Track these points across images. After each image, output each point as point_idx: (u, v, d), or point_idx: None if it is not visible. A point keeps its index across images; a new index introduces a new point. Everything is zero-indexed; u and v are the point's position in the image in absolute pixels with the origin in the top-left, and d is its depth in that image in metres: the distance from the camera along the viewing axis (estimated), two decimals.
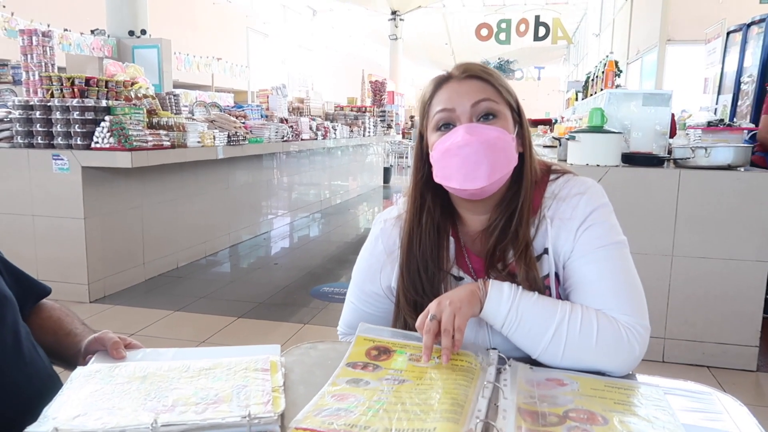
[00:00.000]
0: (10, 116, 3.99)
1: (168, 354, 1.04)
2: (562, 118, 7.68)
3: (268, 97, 7.38)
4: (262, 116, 6.43)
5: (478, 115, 1.04)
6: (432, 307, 0.98)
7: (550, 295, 1.06)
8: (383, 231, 1.19)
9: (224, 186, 5.44)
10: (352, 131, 8.57)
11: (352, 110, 9.87)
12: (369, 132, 9.54)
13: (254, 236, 6.01)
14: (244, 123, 5.58)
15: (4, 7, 7.92)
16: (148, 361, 0.98)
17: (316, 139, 7.18)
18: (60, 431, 0.73)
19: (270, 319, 3.60)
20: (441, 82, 1.09)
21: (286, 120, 6.62)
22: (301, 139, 6.68)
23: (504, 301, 0.99)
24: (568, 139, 3.07)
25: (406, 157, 15.29)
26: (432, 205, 1.12)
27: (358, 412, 0.81)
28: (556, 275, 1.06)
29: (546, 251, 1.06)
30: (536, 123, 7.13)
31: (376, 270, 1.18)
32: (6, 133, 3.98)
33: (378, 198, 9.81)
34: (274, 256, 5.53)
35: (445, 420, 0.77)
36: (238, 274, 4.85)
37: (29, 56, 4.28)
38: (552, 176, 1.12)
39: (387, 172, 11.70)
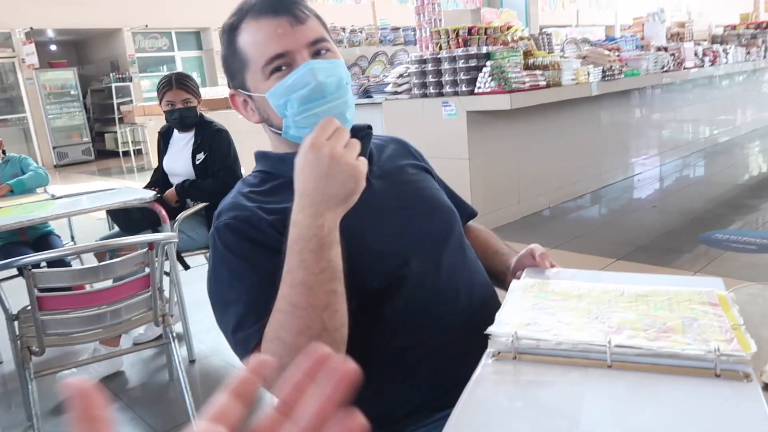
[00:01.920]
0: (408, 71, 4.57)
1: (598, 276, 1.03)
2: None
3: (643, 26, 6.71)
4: (637, 47, 5.90)
5: None
6: None
7: None
8: None
9: (594, 125, 5.23)
10: (748, 53, 7.19)
11: (747, 28, 8.25)
12: None
13: (625, 178, 5.66)
14: (618, 56, 5.21)
15: None
16: (580, 281, 0.97)
17: (702, 66, 6.25)
18: (519, 336, 0.78)
19: (651, 263, 3.35)
20: None
21: (666, 48, 5.92)
22: (684, 68, 5.91)
23: None
24: None
25: None
26: None
27: None
28: None
29: None
30: None
31: None
32: (405, 86, 4.57)
33: None
34: (650, 198, 5.11)
35: None
36: (612, 216, 4.65)
37: (421, 15, 4.80)
38: None
39: None
